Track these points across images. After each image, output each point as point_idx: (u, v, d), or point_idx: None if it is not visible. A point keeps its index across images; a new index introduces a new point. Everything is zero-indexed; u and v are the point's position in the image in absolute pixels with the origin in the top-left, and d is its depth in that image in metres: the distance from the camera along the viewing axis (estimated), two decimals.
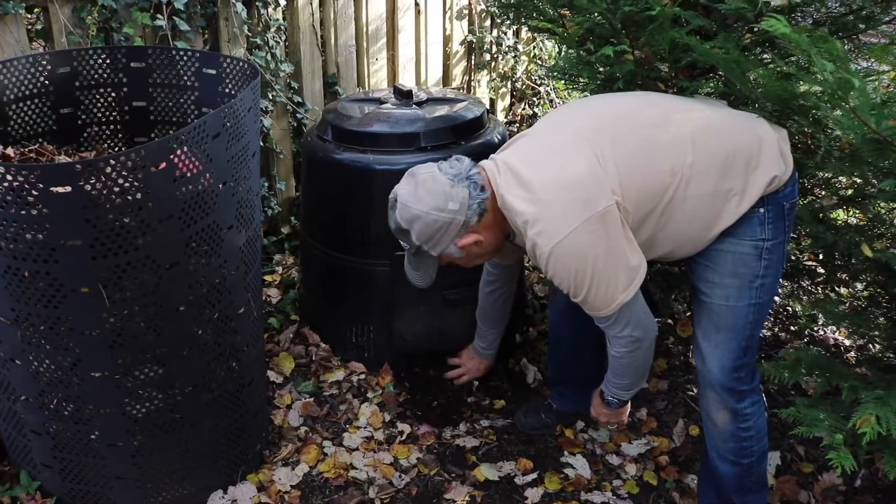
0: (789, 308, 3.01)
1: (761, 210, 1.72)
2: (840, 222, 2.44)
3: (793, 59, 2.16)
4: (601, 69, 2.37)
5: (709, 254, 1.79)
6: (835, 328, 2.88)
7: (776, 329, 2.88)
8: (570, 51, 2.50)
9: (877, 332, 2.22)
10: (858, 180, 2.27)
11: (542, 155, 1.77)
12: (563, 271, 1.70)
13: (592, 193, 1.66)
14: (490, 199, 1.79)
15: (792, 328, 2.90)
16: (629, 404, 2.08)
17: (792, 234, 2.07)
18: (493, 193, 1.79)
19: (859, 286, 2.61)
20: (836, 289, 2.68)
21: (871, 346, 2.62)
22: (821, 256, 2.65)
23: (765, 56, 2.19)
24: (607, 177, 1.67)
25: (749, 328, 1.80)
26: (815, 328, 2.91)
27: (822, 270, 2.66)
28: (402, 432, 2.41)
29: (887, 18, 2.17)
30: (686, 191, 1.70)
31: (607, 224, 1.66)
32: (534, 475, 2.27)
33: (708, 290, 1.82)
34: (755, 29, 2.15)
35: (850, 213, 2.62)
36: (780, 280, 2.78)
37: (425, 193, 1.77)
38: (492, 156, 1.88)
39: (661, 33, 1.95)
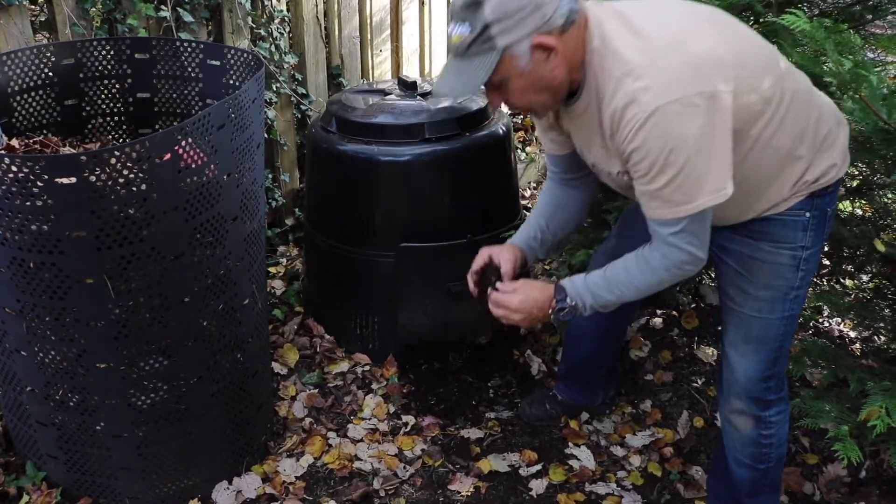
0: None
1: (807, 214, 1.61)
2: (847, 213, 2.44)
3: (799, 49, 2.15)
4: None
5: (743, 260, 1.68)
6: (840, 320, 2.87)
7: None
8: None
9: (882, 324, 2.22)
10: (865, 171, 2.27)
11: (661, 14, 1.50)
12: (657, 142, 1.40)
13: (712, 72, 1.41)
14: (581, 25, 1.46)
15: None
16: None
17: None
18: (584, 23, 1.47)
19: (865, 278, 2.60)
20: (842, 280, 2.68)
21: (876, 337, 2.61)
22: (826, 248, 2.64)
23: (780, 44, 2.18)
24: (727, 68, 1.44)
25: (780, 340, 1.72)
26: (820, 320, 2.90)
27: (827, 262, 2.65)
28: (406, 424, 2.42)
29: (895, 9, 2.15)
30: (772, 133, 1.52)
31: (718, 110, 1.41)
32: (538, 466, 2.27)
33: (740, 299, 1.72)
34: (761, 20, 2.14)
35: (857, 203, 2.60)
36: None
37: None
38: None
39: None
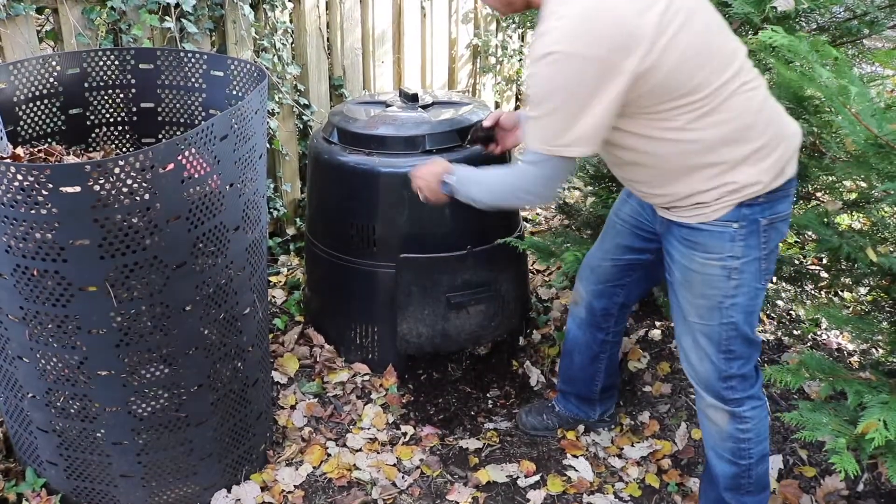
0: (793, 312, 3.01)
1: (734, 225, 1.68)
2: (844, 227, 2.45)
3: (795, 64, 2.17)
4: None
5: (683, 270, 1.79)
6: (838, 332, 2.88)
7: (779, 333, 2.89)
8: None
9: (880, 337, 2.22)
10: (863, 184, 2.28)
11: None
12: (542, 79, 1.56)
13: (627, 43, 1.49)
14: None
15: (795, 332, 2.90)
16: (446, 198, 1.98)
17: (794, 242, 2.01)
18: None
19: (863, 290, 2.61)
20: (840, 293, 2.69)
21: (874, 350, 2.62)
22: (824, 260, 2.65)
23: (770, 60, 2.20)
24: (647, 44, 1.51)
25: (726, 344, 1.79)
26: (819, 332, 2.91)
27: (825, 275, 2.66)
28: (405, 433, 2.42)
29: (891, 23, 2.18)
30: (694, 120, 1.59)
31: (609, 79, 1.51)
32: (536, 477, 2.28)
33: (684, 304, 1.83)
34: (760, 34, 2.16)
35: (854, 217, 2.62)
36: (786, 284, 2.79)
37: None
38: None
39: None
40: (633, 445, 2.41)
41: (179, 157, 1.62)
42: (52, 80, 2.13)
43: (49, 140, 2.16)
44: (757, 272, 1.74)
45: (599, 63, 1.49)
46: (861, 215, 2.53)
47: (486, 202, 1.86)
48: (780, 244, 3.14)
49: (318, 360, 2.70)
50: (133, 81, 2.24)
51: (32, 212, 1.53)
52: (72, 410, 1.86)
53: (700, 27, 1.57)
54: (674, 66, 1.53)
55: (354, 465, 2.29)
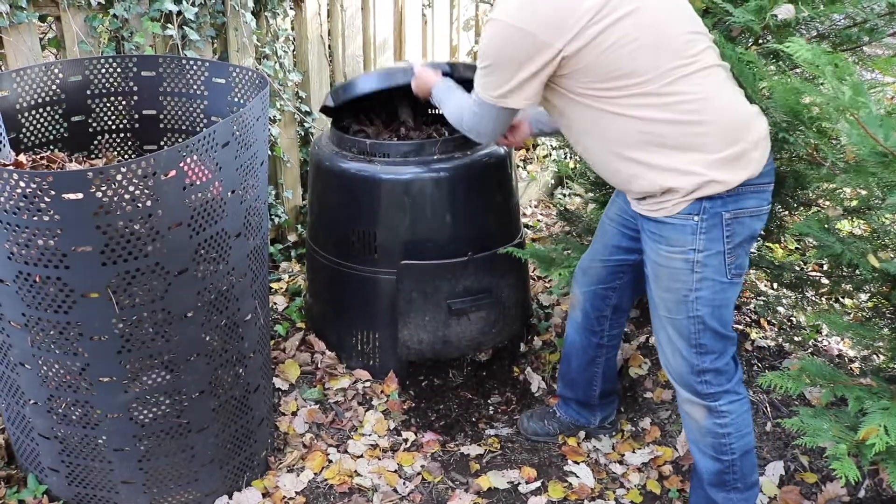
0: (793, 318, 3.01)
1: (695, 218, 1.72)
2: (845, 233, 2.45)
3: (798, 70, 2.17)
4: None
5: (651, 265, 1.84)
6: (839, 338, 2.88)
7: (780, 339, 2.89)
8: None
9: (881, 343, 2.22)
10: (863, 192, 2.28)
11: None
12: (484, 39, 1.77)
13: (561, 24, 1.65)
14: None
15: (796, 338, 2.90)
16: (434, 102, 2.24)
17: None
18: None
19: (863, 296, 2.61)
20: (841, 299, 2.69)
21: (875, 356, 2.62)
22: (825, 267, 2.65)
23: (770, 68, 2.21)
24: (576, 27, 1.64)
25: (696, 337, 1.82)
26: (820, 338, 2.91)
27: (826, 281, 2.66)
28: (406, 440, 2.42)
29: (891, 31, 2.18)
30: (637, 100, 1.69)
31: (535, 50, 1.68)
32: (537, 483, 2.28)
33: (656, 299, 1.87)
34: (760, 42, 2.17)
35: (855, 223, 2.62)
36: (787, 291, 2.79)
37: None
38: None
39: None
40: (634, 451, 2.41)
41: (181, 164, 1.63)
42: (54, 87, 2.14)
43: (51, 147, 2.17)
44: (721, 266, 1.76)
45: (532, 38, 1.66)
46: (862, 221, 2.53)
47: (448, 119, 2.09)
48: (780, 249, 3.15)
49: (319, 366, 2.70)
50: (135, 89, 2.25)
51: (35, 218, 1.54)
52: (73, 417, 1.86)
53: (649, 18, 1.66)
54: (607, 50, 1.65)
55: (356, 471, 2.29)
